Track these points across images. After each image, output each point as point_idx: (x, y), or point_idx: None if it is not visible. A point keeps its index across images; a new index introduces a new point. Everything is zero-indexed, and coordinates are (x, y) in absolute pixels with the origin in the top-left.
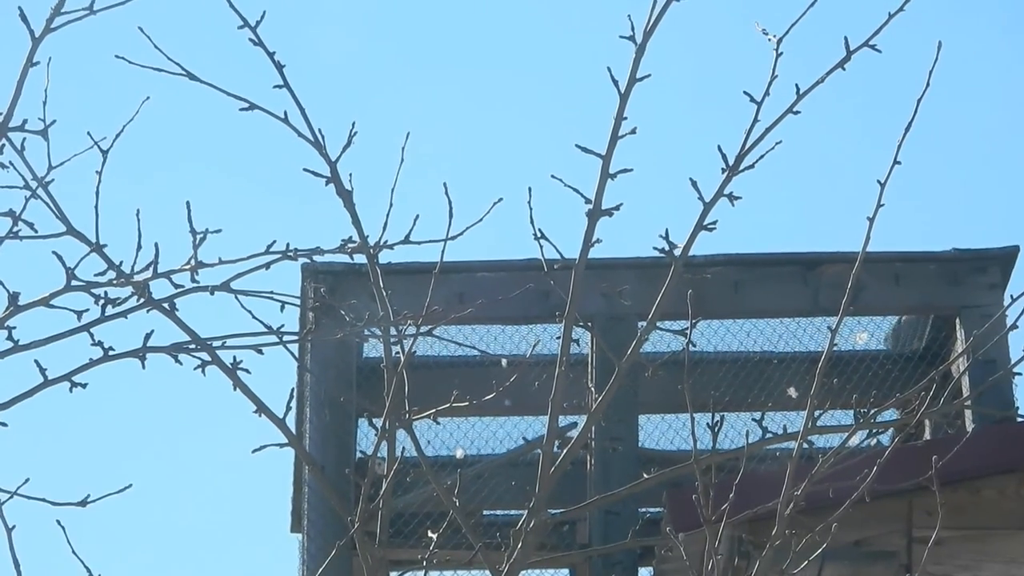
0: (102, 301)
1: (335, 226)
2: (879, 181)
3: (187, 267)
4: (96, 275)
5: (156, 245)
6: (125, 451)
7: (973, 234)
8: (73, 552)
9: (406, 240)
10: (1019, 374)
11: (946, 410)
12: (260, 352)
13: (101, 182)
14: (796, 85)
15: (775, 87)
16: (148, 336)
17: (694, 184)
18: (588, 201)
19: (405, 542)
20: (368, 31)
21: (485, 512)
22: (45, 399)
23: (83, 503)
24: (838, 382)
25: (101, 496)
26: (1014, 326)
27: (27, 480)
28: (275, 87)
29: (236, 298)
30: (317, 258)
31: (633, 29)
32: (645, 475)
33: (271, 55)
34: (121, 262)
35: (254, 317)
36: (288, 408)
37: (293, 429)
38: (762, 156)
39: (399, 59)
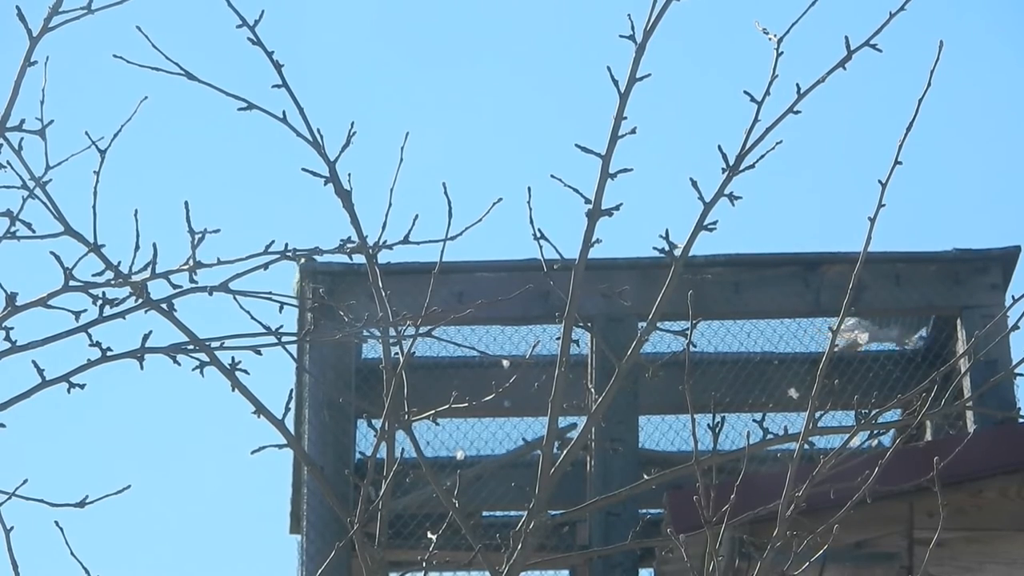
0: (100, 301)
1: (334, 226)
2: (880, 181)
3: (185, 267)
4: (94, 275)
5: (154, 245)
6: (123, 452)
7: (974, 234)
8: (72, 553)
9: (405, 240)
10: (1021, 375)
11: (947, 411)
12: (259, 353)
13: (99, 182)
14: (797, 85)
15: (775, 87)
16: (146, 337)
17: (694, 184)
18: (588, 201)
19: (404, 543)
20: (368, 31)
21: (485, 513)
22: (43, 400)
23: (81, 504)
24: (839, 383)
25: (99, 497)
26: (1016, 327)
27: (25, 481)
28: (274, 87)
29: (235, 299)
30: (314, 258)
31: (633, 28)
32: (645, 476)
33: (270, 54)
34: (119, 262)
35: (253, 318)
36: (287, 409)
37: (292, 430)
38: (763, 156)
39: (399, 59)
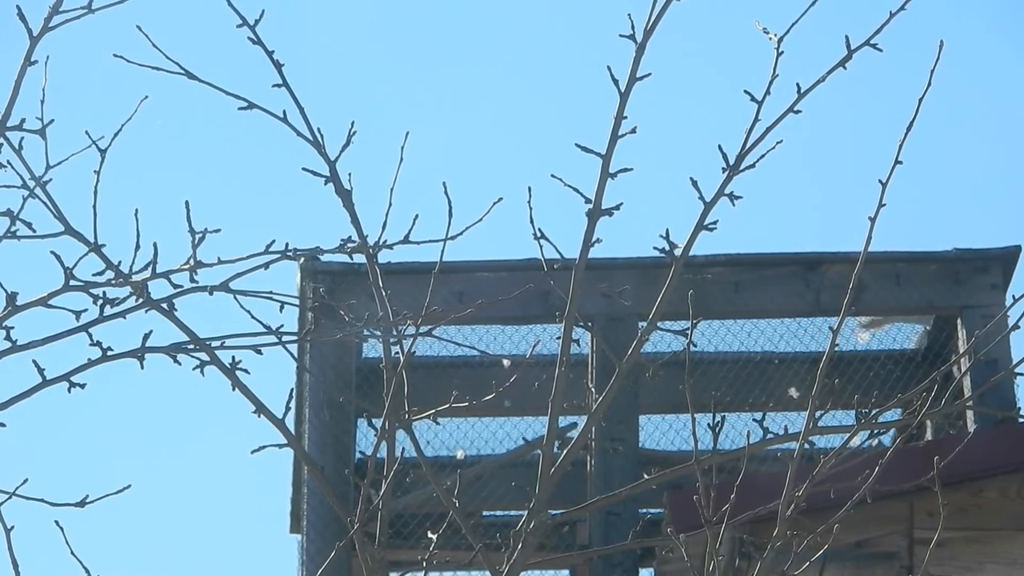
0: (100, 301)
1: (334, 226)
2: (880, 181)
3: (186, 267)
4: (94, 275)
5: (155, 245)
6: (124, 451)
7: (974, 234)
8: (72, 553)
9: (405, 240)
10: (1021, 375)
11: (948, 411)
12: (259, 352)
13: (99, 181)
14: (797, 84)
15: (776, 86)
16: (147, 336)
17: (694, 184)
18: (588, 201)
19: (405, 543)
20: (368, 31)
21: (485, 513)
22: (43, 399)
23: (82, 504)
24: (839, 382)
25: (100, 497)
26: (1016, 326)
27: (25, 481)
28: (274, 86)
29: (235, 298)
30: (316, 258)
31: (633, 28)
32: (646, 476)
33: (270, 54)
34: (120, 262)
35: (253, 317)
36: (287, 408)
37: (292, 430)
38: (763, 156)
39: (399, 59)
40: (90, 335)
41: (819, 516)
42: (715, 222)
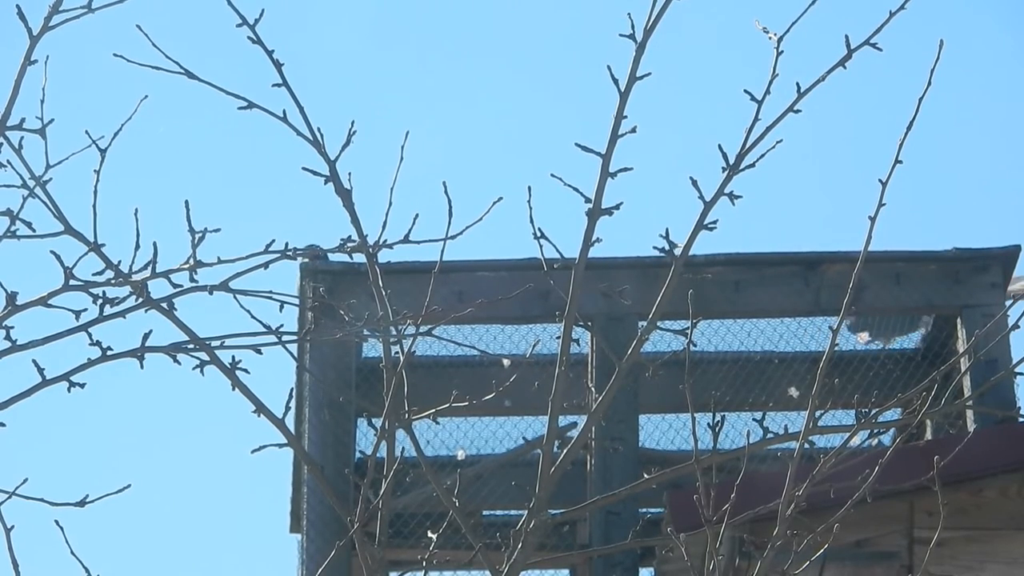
0: (100, 301)
1: (334, 226)
2: (880, 180)
3: (186, 266)
4: (94, 274)
5: (155, 244)
6: (123, 451)
7: (974, 234)
8: (72, 552)
9: (405, 239)
10: (1021, 374)
11: (947, 410)
12: (259, 352)
13: (99, 181)
14: (797, 84)
15: (776, 86)
16: (146, 336)
17: (694, 183)
18: (588, 200)
19: (405, 542)
20: (368, 30)
21: (485, 512)
22: (43, 399)
23: (82, 503)
24: (839, 382)
25: (100, 496)
26: (1016, 326)
27: (25, 480)
28: (274, 86)
29: (235, 298)
30: (324, 257)
31: (633, 27)
32: (646, 475)
33: (270, 53)
34: (119, 261)
35: (253, 317)
36: (287, 408)
37: (292, 429)
38: (763, 155)
39: (399, 58)
40: (90, 335)
41: (819, 516)
42: (715, 221)
